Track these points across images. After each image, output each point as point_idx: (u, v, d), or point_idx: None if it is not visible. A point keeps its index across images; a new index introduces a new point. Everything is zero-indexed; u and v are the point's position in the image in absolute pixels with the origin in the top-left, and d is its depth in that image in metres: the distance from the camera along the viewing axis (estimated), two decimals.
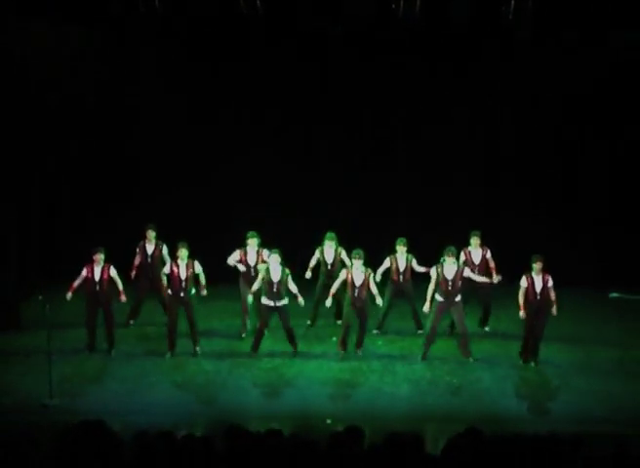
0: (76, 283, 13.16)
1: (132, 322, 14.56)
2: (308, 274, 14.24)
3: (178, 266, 13.17)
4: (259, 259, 13.81)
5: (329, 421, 10.80)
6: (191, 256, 13.23)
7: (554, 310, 12.71)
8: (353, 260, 12.97)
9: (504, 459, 6.29)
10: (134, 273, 14.37)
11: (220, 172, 16.72)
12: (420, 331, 14.05)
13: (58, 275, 15.38)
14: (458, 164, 16.69)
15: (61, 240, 16.79)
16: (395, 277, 13.94)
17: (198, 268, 13.22)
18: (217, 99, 16.53)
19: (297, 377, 12.55)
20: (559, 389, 12.22)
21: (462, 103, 16.38)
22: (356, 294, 12.95)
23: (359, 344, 13.30)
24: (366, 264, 13.03)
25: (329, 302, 13.20)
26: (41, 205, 16.43)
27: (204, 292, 13.32)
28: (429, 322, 12.99)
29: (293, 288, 13.01)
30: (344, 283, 13.09)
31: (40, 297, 12.12)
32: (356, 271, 12.94)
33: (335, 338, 13.90)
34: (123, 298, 13.36)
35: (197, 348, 13.25)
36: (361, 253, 12.97)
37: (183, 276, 13.11)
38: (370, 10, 14.94)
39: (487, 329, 14.37)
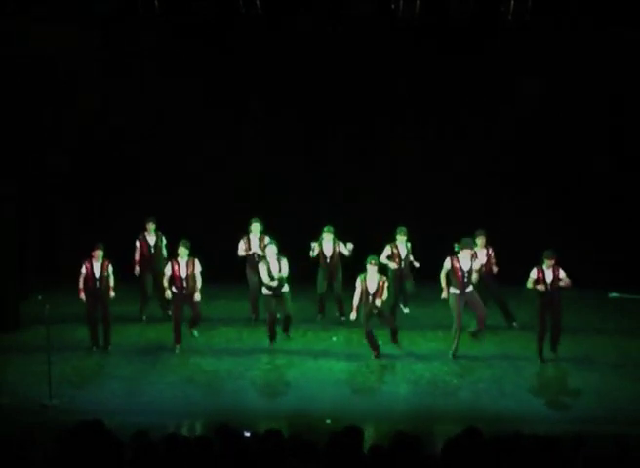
0: (81, 283, 13.20)
1: (144, 318, 14.55)
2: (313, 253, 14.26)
3: (178, 265, 13.22)
4: (261, 246, 14.04)
5: (329, 421, 10.80)
6: (192, 255, 13.27)
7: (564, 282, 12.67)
8: (368, 266, 12.77)
9: (504, 459, 6.28)
10: (137, 269, 14.47)
11: (219, 171, 16.70)
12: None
13: (57, 275, 15.40)
14: (457, 162, 16.64)
15: (61, 240, 16.77)
16: (397, 262, 14.10)
17: (198, 267, 13.24)
18: (216, 98, 16.50)
19: (297, 377, 12.54)
20: (559, 389, 12.23)
21: (463, 102, 16.35)
22: (370, 301, 12.81)
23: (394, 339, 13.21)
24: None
25: (353, 316, 12.93)
26: (40, 205, 16.41)
27: (197, 298, 13.23)
28: (454, 318, 12.86)
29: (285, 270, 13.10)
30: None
31: (39, 297, 12.14)
32: (371, 278, 12.82)
33: (334, 338, 13.91)
34: (112, 294, 13.35)
35: (195, 332, 13.56)
36: (376, 259, 12.97)
37: (184, 275, 13.16)
38: (370, 10, 14.93)
39: (515, 324, 14.20)
